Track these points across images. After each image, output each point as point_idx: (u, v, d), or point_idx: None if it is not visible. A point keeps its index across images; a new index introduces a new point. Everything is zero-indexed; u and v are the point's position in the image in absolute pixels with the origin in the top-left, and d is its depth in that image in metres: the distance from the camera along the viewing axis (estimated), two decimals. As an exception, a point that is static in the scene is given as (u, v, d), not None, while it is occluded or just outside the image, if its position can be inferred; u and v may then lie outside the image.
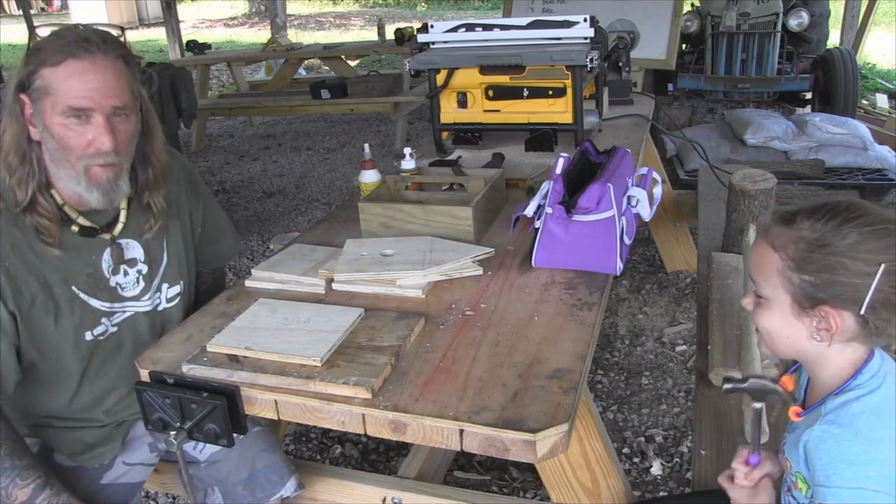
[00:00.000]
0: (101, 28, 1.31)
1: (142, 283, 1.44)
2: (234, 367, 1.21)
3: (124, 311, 1.43)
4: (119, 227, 1.40)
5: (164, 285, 1.49)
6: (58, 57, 1.22)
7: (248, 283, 1.55)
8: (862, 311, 0.92)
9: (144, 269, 1.45)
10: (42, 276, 1.31)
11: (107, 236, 1.39)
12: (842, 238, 0.92)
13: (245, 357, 1.24)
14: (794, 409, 1.04)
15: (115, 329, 1.42)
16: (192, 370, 1.22)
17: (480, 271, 1.53)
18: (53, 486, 1.30)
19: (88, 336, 1.39)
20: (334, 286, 1.50)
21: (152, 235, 1.43)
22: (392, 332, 1.29)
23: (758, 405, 1.08)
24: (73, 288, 1.35)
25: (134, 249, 1.43)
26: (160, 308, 1.49)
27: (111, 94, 1.25)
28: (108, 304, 1.40)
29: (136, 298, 1.44)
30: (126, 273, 1.42)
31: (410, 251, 1.57)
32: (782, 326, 0.99)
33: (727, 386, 1.09)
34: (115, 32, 1.31)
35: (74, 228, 1.34)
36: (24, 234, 1.30)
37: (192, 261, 1.58)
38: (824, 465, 0.93)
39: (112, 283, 1.40)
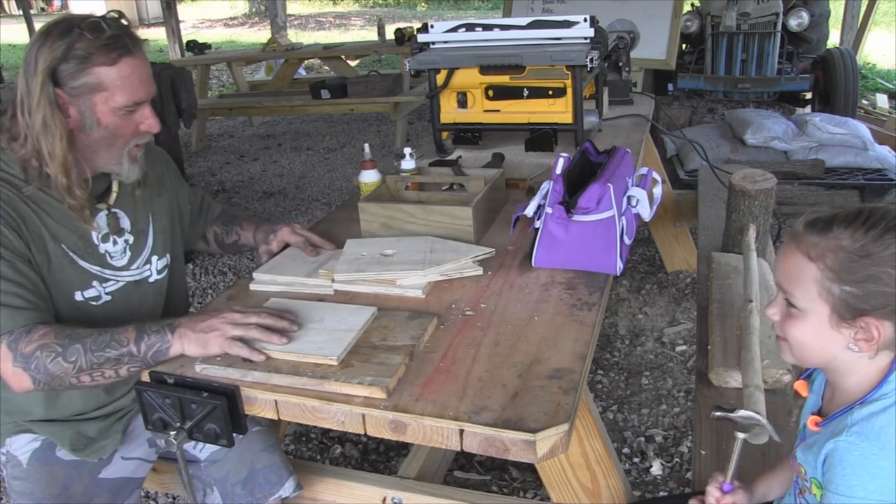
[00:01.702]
0: (111, 16, 1.35)
1: (129, 253, 1.49)
2: (247, 366, 1.21)
3: (117, 281, 1.46)
4: (113, 196, 1.47)
5: (154, 257, 1.53)
6: (111, 55, 1.29)
7: (251, 286, 1.54)
8: None
9: (131, 239, 1.49)
10: (37, 229, 1.34)
11: (102, 206, 1.44)
12: (884, 247, 0.90)
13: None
14: (812, 419, 1.03)
15: (108, 298, 1.45)
16: (205, 370, 1.22)
17: (480, 271, 1.53)
18: (149, 330, 1.28)
19: (79, 296, 1.40)
20: (335, 286, 1.50)
21: (140, 197, 1.51)
22: (405, 332, 1.29)
23: (742, 435, 1.10)
24: (64, 246, 1.38)
25: (124, 220, 1.48)
26: (151, 279, 1.53)
27: (153, 85, 1.39)
28: (98, 269, 1.43)
29: (126, 268, 1.48)
30: (115, 242, 1.46)
31: (410, 251, 1.57)
32: (818, 338, 0.96)
33: (717, 413, 1.11)
34: (124, 21, 1.36)
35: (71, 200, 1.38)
36: (20, 196, 1.33)
37: (179, 238, 1.64)
38: (846, 475, 0.92)
39: (101, 251, 1.44)
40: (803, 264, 0.95)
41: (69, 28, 1.28)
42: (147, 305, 1.52)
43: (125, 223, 1.48)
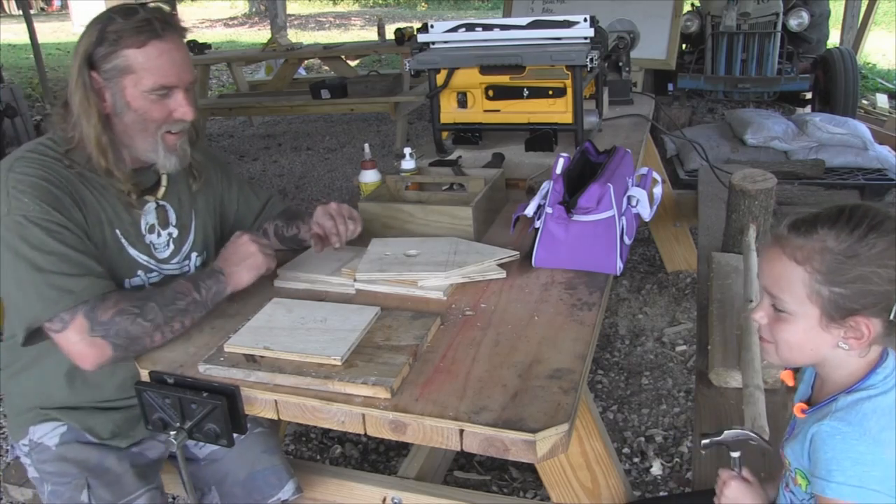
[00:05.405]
0: (155, 4, 1.37)
1: (171, 247, 1.50)
2: (251, 367, 1.21)
3: (159, 273, 1.48)
4: (162, 190, 1.48)
5: (194, 254, 1.55)
6: (140, 38, 1.30)
7: (276, 283, 1.54)
8: (892, 317, 0.91)
9: (175, 233, 1.51)
10: (97, 212, 1.37)
11: (150, 198, 1.46)
12: (870, 247, 0.91)
13: (262, 357, 1.23)
14: (798, 406, 1.04)
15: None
16: (208, 370, 1.22)
17: (504, 274, 1.50)
18: (205, 279, 1.39)
19: (126, 285, 1.42)
20: (356, 286, 1.49)
21: (198, 188, 1.54)
22: (409, 332, 1.28)
23: (735, 454, 1.12)
24: (118, 232, 1.40)
25: (171, 213, 1.50)
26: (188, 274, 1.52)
27: (188, 70, 1.38)
28: (146, 258, 1.45)
29: (167, 261, 1.49)
30: (160, 234, 1.48)
31: (434, 252, 1.56)
32: (807, 339, 0.97)
33: (704, 441, 1.12)
34: (166, 8, 1.38)
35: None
36: (80, 179, 1.36)
37: (214, 237, 1.63)
38: (828, 460, 0.93)
39: (147, 241, 1.46)
40: (790, 268, 0.95)
41: (106, 13, 1.32)
42: None
43: (172, 217, 1.50)
